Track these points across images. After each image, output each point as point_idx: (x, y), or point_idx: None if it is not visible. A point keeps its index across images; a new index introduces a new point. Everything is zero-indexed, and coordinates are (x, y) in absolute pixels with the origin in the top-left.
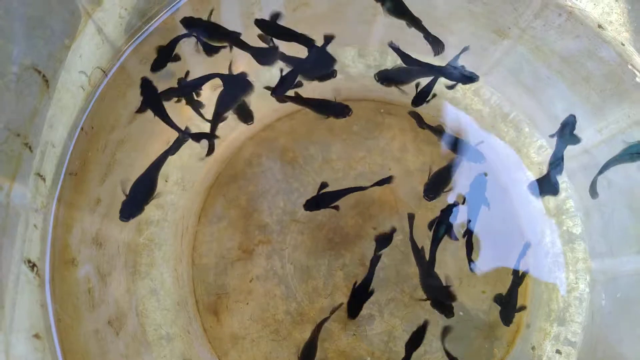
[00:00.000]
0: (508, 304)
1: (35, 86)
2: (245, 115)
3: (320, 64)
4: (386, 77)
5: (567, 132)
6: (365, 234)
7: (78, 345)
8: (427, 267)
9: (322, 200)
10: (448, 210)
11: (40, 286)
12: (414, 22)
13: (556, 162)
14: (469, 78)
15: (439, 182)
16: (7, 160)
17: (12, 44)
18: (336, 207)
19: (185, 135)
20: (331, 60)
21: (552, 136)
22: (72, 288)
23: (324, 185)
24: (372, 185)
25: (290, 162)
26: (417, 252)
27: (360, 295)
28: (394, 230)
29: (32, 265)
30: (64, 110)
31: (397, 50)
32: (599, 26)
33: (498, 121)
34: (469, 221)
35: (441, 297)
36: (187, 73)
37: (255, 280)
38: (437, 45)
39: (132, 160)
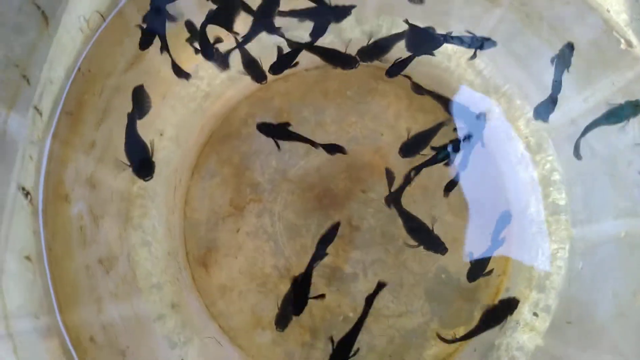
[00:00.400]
0: (477, 264)
1: (34, 21)
2: (259, 74)
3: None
4: (366, 53)
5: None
6: (354, 197)
7: (68, 275)
8: (408, 216)
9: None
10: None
11: (33, 214)
12: None
13: (556, 86)
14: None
15: (416, 143)
16: (4, 87)
17: None
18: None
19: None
20: None
21: (552, 61)
22: (64, 222)
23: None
24: (322, 145)
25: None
26: (398, 205)
27: (301, 289)
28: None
29: (27, 193)
30: (63, 50)
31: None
32: None
33: (490, 92)
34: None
35: (429, 240)
36: None
37: (245, 236)
38: None
39: (126, 108)
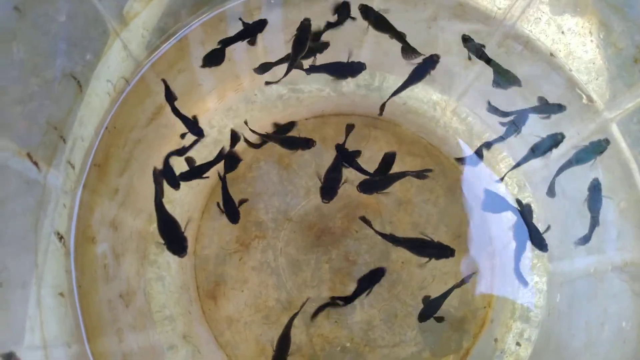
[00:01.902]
0: (431, 305)
1: (71, 90)
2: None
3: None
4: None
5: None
6: (350, 234)
7: (94, 308)
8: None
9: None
10: None
11: (66, 255)
12: (398, 36)
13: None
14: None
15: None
16: (46, 148)
17: (56, 56)
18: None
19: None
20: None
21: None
22: (91, 261)
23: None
24: (413, 172)
25: (286, 168)
26: (394, 238)
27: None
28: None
29: (60, 237)
30: (92, 111)
31: (493, 109)
32: (551, 54)
33: (473, 139)
34: None
35: (436, 250)
36: None
37: (250, 270)
38: (412, 54)
39: (146, 157)
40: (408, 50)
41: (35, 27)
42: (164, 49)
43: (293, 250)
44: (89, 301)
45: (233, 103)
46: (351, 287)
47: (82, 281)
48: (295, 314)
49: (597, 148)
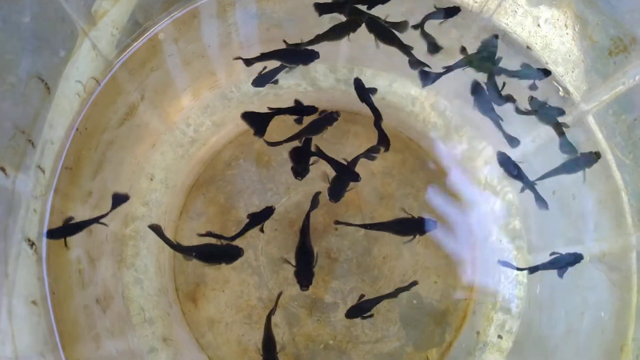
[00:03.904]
0: (362, 307)
1: (38, 92)
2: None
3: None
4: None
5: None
6: (332, 230)
7: (69, 315)
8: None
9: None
10: None
11: (37, 262)
12: (404, 49)
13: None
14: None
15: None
16: (14, 153)
17: (21, 57)
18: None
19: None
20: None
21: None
22: (65, 267)
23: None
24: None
25: (265, 165)
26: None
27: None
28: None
29: (32, 244)
30: (62, 113)
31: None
32: (528, 47)
33: (451, 132)
34: None
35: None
36: None
37: (230, 270)
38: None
39: (119, 159)
40: (415, 63)
41: None
42: (135, 47)
43: (274, 249)
44: (63, 308)
45: (209, 100)
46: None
47: (55, 288)
48: (272, 311)
49: (588, 162)
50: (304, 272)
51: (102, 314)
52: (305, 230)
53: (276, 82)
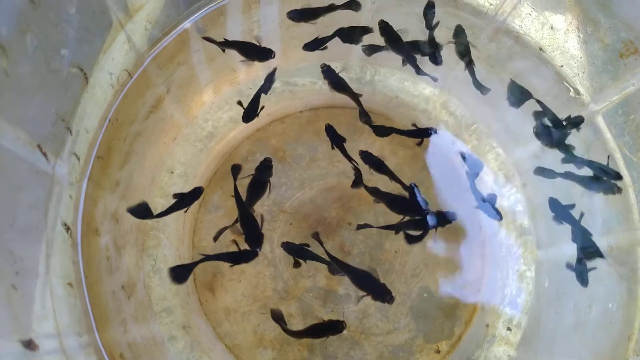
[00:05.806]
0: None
1: (78, 81)
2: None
3: None
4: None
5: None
6: (345, 224)
7: (100, 299)
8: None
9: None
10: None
11: (72, 246)
12: (410, 59)
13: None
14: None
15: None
16: (54, 139)
17: (65, 46)
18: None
19: None
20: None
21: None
22: (95, 253)
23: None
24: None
25: (281, 160)
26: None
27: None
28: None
29: (67, 229)
30: (96, 103)
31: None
32: (540, 49)
33: (462, 131)
34: None
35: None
36: None
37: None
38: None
39: (144, 151)
40: (421, 74)
41: (46, 19)
42: (165, 41)
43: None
44: (95, 292)
45: (228, 96)
46: (346, 277)
47: (88, 272)
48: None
49: (608, 189)
50: (252, 236)
51: (127, 300)
52: (239, 200)
53: (325, 48)
